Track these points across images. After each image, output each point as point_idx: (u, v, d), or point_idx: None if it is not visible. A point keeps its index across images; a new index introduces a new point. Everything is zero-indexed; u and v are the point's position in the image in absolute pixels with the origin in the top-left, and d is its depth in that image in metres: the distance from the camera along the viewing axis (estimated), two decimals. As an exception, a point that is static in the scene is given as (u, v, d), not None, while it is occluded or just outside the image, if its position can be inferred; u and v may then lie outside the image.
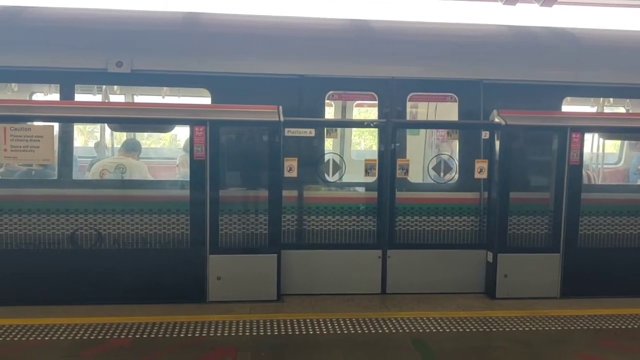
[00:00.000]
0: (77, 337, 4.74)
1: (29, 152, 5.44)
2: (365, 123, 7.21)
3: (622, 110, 8.40)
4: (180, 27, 6.42)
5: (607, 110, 8.29)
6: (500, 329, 5.16)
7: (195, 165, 5.65)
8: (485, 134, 6.19)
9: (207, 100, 6.17)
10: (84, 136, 10.60)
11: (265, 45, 6.24)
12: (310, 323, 5.20)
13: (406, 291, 6.12)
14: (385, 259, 6.13)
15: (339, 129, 7.59)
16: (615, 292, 6.16)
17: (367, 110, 9.25)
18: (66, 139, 5.90)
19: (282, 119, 5.71)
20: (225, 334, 4.89)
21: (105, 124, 7.13)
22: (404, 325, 5.19)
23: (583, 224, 6.18)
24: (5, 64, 5.86)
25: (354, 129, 9.71)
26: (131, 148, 6.72)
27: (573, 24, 7.88)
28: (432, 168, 6.37)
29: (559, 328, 5.23)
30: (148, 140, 11.38)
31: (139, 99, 7.93)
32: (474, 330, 5.14)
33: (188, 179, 5.76)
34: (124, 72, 5.90)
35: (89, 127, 9.88)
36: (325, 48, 6.38)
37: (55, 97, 6.42)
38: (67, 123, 5.89)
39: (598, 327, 5.27)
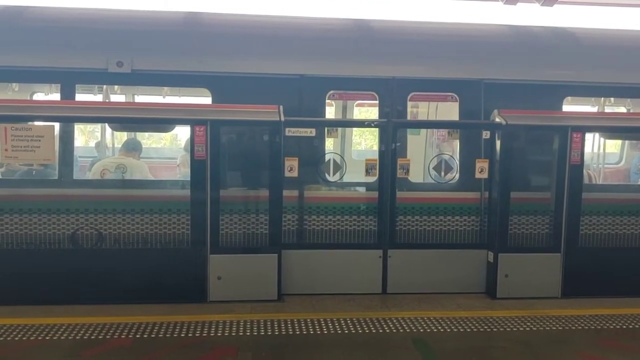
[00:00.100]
0: (77, 337, 4.75)
1: (30, 152, 5.44)
2: (366, 123, 7.21)
3: (623, 110, 8.40)
4: (181, 27, 6.42)
5: (608, 110, 8.28)
6: (501, 329, 5.16)
7: (196, 165, 5.66)
8: (486, 134, 6.19)
9: (207, 100, 6.17)
10: (85, 136, 10.60)
11: (265, 45, 6.24)
12: (311, 323, 5.20)
13: (407, 291, 6.12)
14: (385, 258, 6.13)
15: (339, 129, 7.59)
16: (616, 292, 6.16)
17: (367, 110, 9.25)
18: (67, 138, 5.91)
19: (282, 118, 5.71)
20: (226, 334, 4.89)
21: (106, 124, 7.14)
22: (404, 325, 5.19)
23: (584, 224, 6.17)
24: (6, 64, 5.86)
25: (354, 129, 9.71)
26: (132, 148, 6.73)
27: (574, 23, 7.86)
28: (433, 168, 6.37)
29: (560, 328, 5.22)
30: (149, 140, 11.38)
31: (140, 98, 7.94)
32: (475, 330, 5.14)
33: (189, 179, 5.77)
34: (125, 72, 5.90)
35: (89, 126, 9.89)
36: (325, 48, 6.37)
37: (56, 97, 6.42)
38: (67, 123, 5.90)
39: (599, 327, 5.27)
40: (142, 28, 6.28)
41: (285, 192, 5.85)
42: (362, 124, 8.01)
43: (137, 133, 7.83)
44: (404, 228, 6.16)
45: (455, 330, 5.12)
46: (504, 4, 8.55)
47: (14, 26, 6.11)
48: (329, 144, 6.94)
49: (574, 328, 5.23)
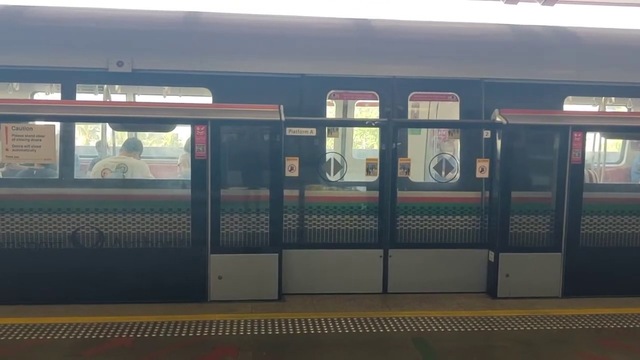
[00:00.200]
0: (78, 337, 4.75)
1: (31, 152, 5.44)
2: (367, 122, 7.21)
3: (623, 109, 8.39)
4: (181, 27, 6.42)
5: (608, 109, 8.27)
6: (502, 329, 5.16)
7: (197, 165, 5.66)
8: (486, 133, 6.18)
9: (208, 100, 6.17)
10: (86, 135, 10.61)
11: (266, 44, 6.24)
12: (312, 322, 5.20)
13: (407, 290, 6.12)
14: (386, 258, 6.13)
15: (340, 128, 7.59)
16: (617, 291, 6.16)
17: (368, 110, 9.25)
18: (67, 138, 5.91)
19: (283, 118, 5.71)
20: (227, 334, 4.90)
21: (107, 124, 7.14)
22: (405, 325, 5.19)
23: (585, 224, 6.17)
24: (7, 64, 5.87)
25: (355, 129, 9.69)
26: (132, 147, 6.73)
27: (574, 23, 7.85)
28: (434, 167, 6.37)
29: (561, 327, 5.22)
30: (149, 139, 11.39)
31: (140, 98, 7.94)
32: (476, 329, 5.14)
33: (189, 179, 5.77)
34: (125, 72, 5.90)
35: (90, 126, 9.90)
36: (326, 47, 6.37)
37: (56, 96, 6.42)
38: (68, 122, 5.90)
39: (600, 327, 5.27)
40: (143, 28, 6.29)
41: (286, 192, 5.85)
42: (362, 123, 8.02)
43: (138, 133, 7.84)
44: (405, 228, 6.16)
45: (455, 329, 5.11)
46: (505, 3, 8.53)
47: (14, 26, 6.12)
48: (330, 143, 6.94)
49: (574, 328, 5.23)
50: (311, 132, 5.99)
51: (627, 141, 8.77)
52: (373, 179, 6.14)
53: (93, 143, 9.33)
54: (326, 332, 4.99)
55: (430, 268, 6.17)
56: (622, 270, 6.24)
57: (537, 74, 6.40)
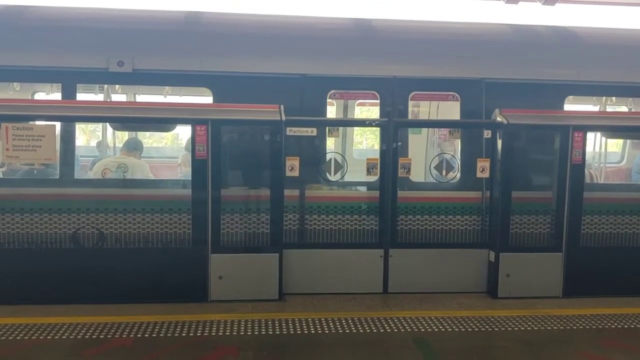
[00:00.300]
0: (79, 337, 4.75)
1: (31, 152, 5.44)
2: (367, 122, 7.20)
3: (624, 109, 8.39)
4: (182, 27, 6.42)
5: (609, 109, 8.27)
6: (502, 329, 5.16)
7: (197, 165, 5.66)
8: (487, 133, 6.18)
9: (208, 100, 6.17)
10: (86, 135, 10.61)
11: (266, 44, 6.23)
12: (312, 322, 5.20)
13: (408, 290, 6.12)
14: (387, 258, 6.13)
15: (340, 128, 7.58)
16: (618, 291, 6.16)
17: (368, 110, 9.24)
18: (68, 138, 5.91)
19: (283, 118, 5.70)
20: (227, 333, 4.89)
21: (107, 123, 7.14)
22: (405, 325, 5.18)
23: (585, 223, 6.17)
24: (8, 64, 5.87)
25: (355, 128, 9.68)
26: (133, 147, 6.73)
27: (575, 22, 7.85)
28: (434, 167, 6.37)
29: (561, 327, 5.22)
30: (150, 139, 11.40)
31: (141, 98, 7.94)
32: (476, 329, 5.13)
33: (190, 178, 5.77)
34: (126, 72, 5.90)
35: (90, 126, 9.90)
36: (326, 47, 6.37)
37: (57, 96, 6.43)
38: (69, 122, 5.90)
39: (600, 327, 5.26)
40: (143, 27, 6.29)
41: (287, 192, 5.85)
42: (363, 123, 8.00)
43: (139, 132, 7.84)
44: (405, 227, 6.16)
45: (456, 329, 5.11)
46: (505, 3, 8.53)
47: (15, 26, 6.12)
48: (330, 143, 6.93)
49: (575, 328, 5.23)
50: (312, 132, 5.99)
51: (628, 141, 8.77)
52: (373, 178, 6.13)
53: (93, 143, 9.33)
54: (327, 332, 4.99)
55: (430, 268, 6.17)
56: (622, 270, 6.24)
57: (538, 73, 6.39)
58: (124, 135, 7.82)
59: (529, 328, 5.18)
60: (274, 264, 5.79)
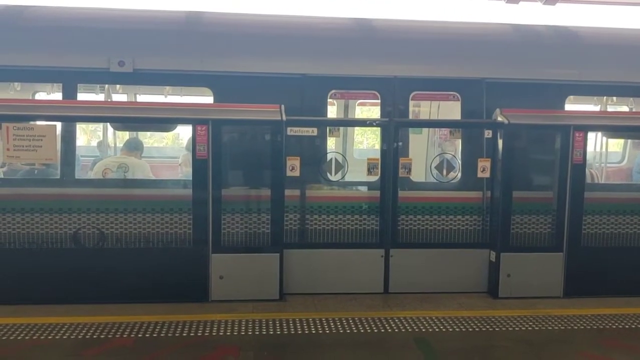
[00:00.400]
0: (79, 337, 4.75)
1: (32, 152, 5.45)
2: (368, 122, 7.20)
3: (625, 109, 8.38)
4: (182, 26, 6.42)
5: (610, 109, 8.26)
6: (503, 329, 5.15)
7: (198, 165, 5.66)
8: (488, 133, 6.18)
9: (209, 100, 6.17)
10: (87, 135, 10.62)
11: (267, 44, 6.23)
12: (313, 322, 5.19)
13: (409, 290, 6.12)
14: (387, 258, 6.12)
15: (341, 128, 7.58)
16: (619, 291, 6.15)
17: (369, 109, 9.24)
18: (69, 138, 5.91)
19: (284, 118, 5.70)
20: (228, 333, 4.89)
21: (108, 123, 7.14)
22: (406, 325, 5.18)
23: (586, 223, 6.16)
24: (8, 63, 5.87)
25: (356, 128, 9.69)
26: (133, 147, 6.73)
27: (576, 22, 7.85)
28: (435, 167, 6.36)
29: (562, 328, 5.22)
30: (151, 139, 11.40)
31: (142, 98, 7.94)
32: (477, 329, 5.13)
33: (190, 178, 5.77)
34: (126, 72, 5.90)
35: (91, 126, 9.90)
36: (327, 47, 6.36)
37: (58, 96, 6.43)
38: (69, 122, 5.90)
39: (601, 327, 5.26)
40: (144, 27, 6.29)
41: (287, 192, 5.85)
42: (364, 123, 8.00)
43: (139, 132, 7.84)
44: (406, 227, 6.16)
45: (457, 329, 5.11)
46: (506, 2, 8.52)
47: (15, 26, 6.11)
48: (331, 143, 6.93)
49: (576, 328, 5.22)
50: (312, 131, 5.99)
51: (629, 141, 8.76)
52: (374, 178, 6.13)
53: (94, 143, 9.33)
54: (327, 332, 4.99)
55: (431, 268, 6.17)
56: (623, 270, 6.23)
57: (539, 73, 6.38)
58: (124, 135, 7.82)
59: (529, 328, 5.18)
60: (274, 264, 5.79)
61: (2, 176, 6.39)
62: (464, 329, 5.12)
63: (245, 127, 6.04)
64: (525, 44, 6.73)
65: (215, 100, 6.04)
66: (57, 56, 5.91)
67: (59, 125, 5.72)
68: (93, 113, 5.89)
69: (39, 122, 5.60)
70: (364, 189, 6.41)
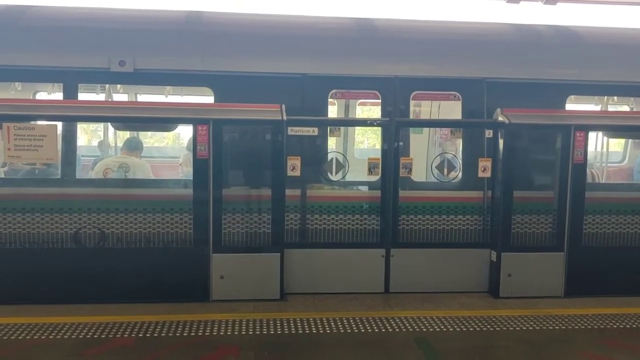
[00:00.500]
0: (80, 336, 4.75)
1: (33, 151, 5.45)
2: (369, 122, 7.20)
3: (626, 108, 8.38)
4: (183, 26, 6.42)
5: (611, 108, 8.26)
6: (504, 328, 5.15)
7: (198, 164, 5.66)
8: (488, 133, 6.18)
9: (210, 100, 6.17)
10: (88, 135, 10.63)
11: (268, 44, 6.23)
12: (314, 322, 5.19)
13: (409, 290, 6.11)
14: (388, 258, 6.12)
15: (342, 128, 7.58)
16: (620, 291, 6.15)
17: (370, 109, 9.24)
18: (69, 138, 5.91)
19: (285, 117, 5.70)
20: (229, 333, 4.89)
21: (109, 123, 7.14)
22: (407, 325, 5.18)
23: (587, 223, 6.16)
24: (9, 63, 5.87)
25: (357, 128, 9.70)
26: (134, 147, 6.73)
27: (577, 22, 7.86)
28: (436, 167, 6.36)
29: (563, 327, 5.21)
30: (151, 139, 11.41)
31: (142, 98, 7.95)
32: (478, 329, 5.13)
33: (191, 178, 5.77)
34: (127, 72, 5.90)
35: (92, 126, 9.91)
36: (328, 47, 6.37)
37: (58, 96, 6.43)
38: (70, 122, 5.90)
39: (602, 327, 5.25)
40: (145, 27, 6.29)
41: (288, 191, 5.85)
42: (364, 123, 7.99)
43: (139, 132, 7.84)
44: (407, 227, 6.15)
45: (458, 329, 5.11)
46: (507, 2, 8.52)
47: (16, 26, 6.12)
48: (332, 143, 6.94)
49: (577, 327, 5.22)
50: (313, 131, 5.99)
51: (630, 140, 8.76)
52: (375, 178, 6.13)
53: (95, 143, 9.33)
54: (328, 331, 4.99)
55: (432, 268, 6.17)
56: (624, 270, 6.22)
57: (540, 73, 6.38)
58: (125, 135, 7.82)
59: (530, 328, 5.17)
60: (275, 263, 5.79)
61: (3, 176, 6.39)
62: (464, 329, 5.12)
63: (246, 127, 6.04)
64: (525, 43, 6.72)
65: (216, 100, 6.04)
66: (57, 56, 5.91)
67: (59, 125, 5.72)
68: (94, 113, 5.90)
69: (39, 122, 5.60)
70: (364, 188, 6.41)
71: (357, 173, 6.54)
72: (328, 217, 6.05)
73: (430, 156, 7.09)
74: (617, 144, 9.28)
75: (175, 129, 6.73)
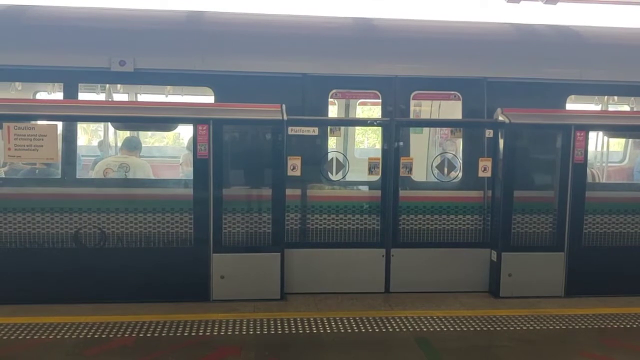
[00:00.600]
0: (81, 336, 4.75)
1: (33, 151, 5.45)
2: (369, 121, 7.19)
3: (626, 108, 8.38)
4: (183, 26, 6.42)
5: (611, 108, 8.25)
6: (504, 328, 5.15)
7: (199, 164, 5.66)
8: (489, 133, 6.17)
9: (210, 99, 6.17)
10: (88, 135, 10.63)
11: (268, 44, 6.23)
12: (314, 322, 5.19)
13: (410, 290, 6.12)
14: (389, 257, 6.12)
15: (342, 128, 7.58)
16: (620, 291, 6.15)
17: (370, 109, 9.24)
18: (70, 137, 5.91)
19: (285, 117, 5.70)
20: (229, 333, 4.89)
21: (109, 123, 7.14)
22: (407, 324, 5.18)
23: (587, 223, 6.16)
24: (9, 63, 5.87)
25: (357, 128, 9.70)
26: (134, 146, 6.73)
27: (577, 21, 7.86)
28: (436, 166, 6.36)
29: (564, 327, 5.21)
30: (151, 139, 11.41)
31: (142, 97, 7.95)
32: (478, 329, 5.13)
33: (191, 178, 5.77)
34: (127, 71, 5.90)
35: (92, 125, 9.91)
36: (328, 46, 6.36)
37: (58, 96, 6.42)
38: (70, 122, 5.90)
39: (603, 327, 5.25)
40: (145, 27, 6.28)
41: (288, 191, 5.85)
42: (365, 122, 7.99)
43: (139, 132, 7.84)
44: (407, 227, 6.15)
45: (458, 329, 5.11)
46: (507, 2, 8.52)
47: (16, 25, 6.11)
48: (332, 142, 6.94)
49: (577, 327, 5.22)
50: (313, 131, 5.98)
51: (630, 140, 8.75)
52: (375, 178, 6.13)
53: (95, 142, 9.34)
54: (328, 331, 4.99)
55: (432, 267, 6.17)
56: (625, 270, 6.23)
57: (540, 73, 6.38)
58: (125, 135, 7.82)
59: (531, 328, 5.17)
60: (275, 263, 5.79)
61: (3, 176, 6.39)
62: (465, 329, 5.12)
63: (246, 127, 6.04)
64: (526, 43, 6.72)
65: (216, 100, 6.03)
66: (58, 56, 5.91)
67: (60, 124, 5.72)
68: (94, 113, 5.90)
69: (40, 122, 5.59)
70: (365, 188, 6.41)
71: (358, 173, 6.54)
72: (328, 217, 6.05)
73: (431, 156, 7.09)
74: (617, 144, 9.28)
75: (175, 128, 6.73)
